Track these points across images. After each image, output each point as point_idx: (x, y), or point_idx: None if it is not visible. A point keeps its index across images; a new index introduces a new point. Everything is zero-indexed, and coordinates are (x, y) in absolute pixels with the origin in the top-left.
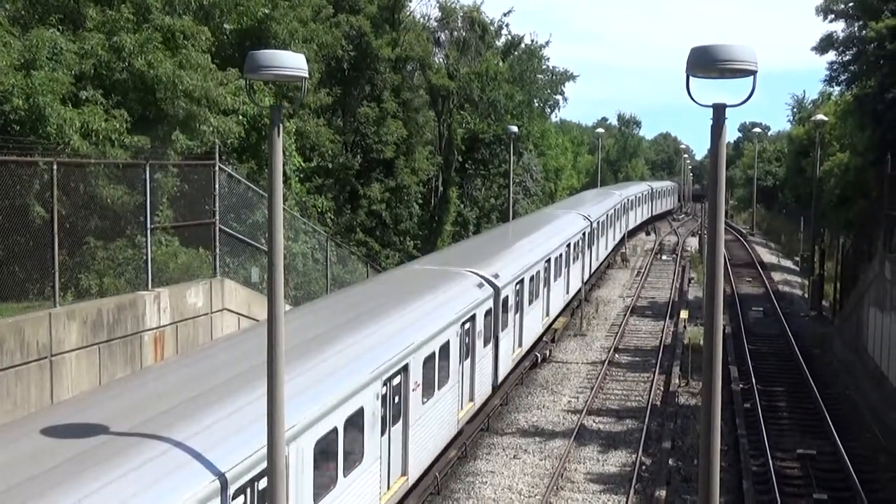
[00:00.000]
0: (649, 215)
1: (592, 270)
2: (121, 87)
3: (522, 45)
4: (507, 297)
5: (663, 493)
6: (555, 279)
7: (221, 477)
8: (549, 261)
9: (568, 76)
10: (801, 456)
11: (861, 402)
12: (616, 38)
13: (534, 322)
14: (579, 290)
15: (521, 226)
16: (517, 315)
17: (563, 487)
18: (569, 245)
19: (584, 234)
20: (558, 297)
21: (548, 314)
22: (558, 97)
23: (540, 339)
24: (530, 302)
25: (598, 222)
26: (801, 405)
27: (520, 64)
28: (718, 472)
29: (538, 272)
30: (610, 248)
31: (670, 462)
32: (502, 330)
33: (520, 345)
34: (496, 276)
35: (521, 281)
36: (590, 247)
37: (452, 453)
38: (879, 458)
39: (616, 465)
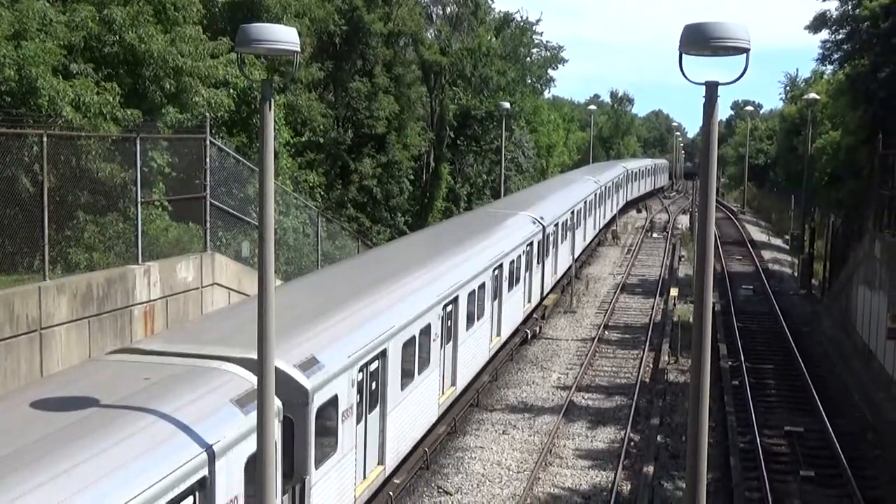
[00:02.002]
0: (624, 202)
1: (543, 294)
2: (111, 61)
3: (514, 23)
4: (333, 399)
5: (651, 469)
6: (471, 324)
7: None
8: (454, 301)
9: (559, 57)
10: (788, 433)
11: (849, 380)
12: (607, 13)
13: (421, 405)
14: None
15: (423, 242)
16: (373, 416)
17: (552, 463)
18: (499, 267)
19: (531, 244)
20: (477, 348)
21: (454, 383)
22: (550, 73)
23: (439, 421)
24: (412, 375)
25: (556, 225)
26: (790, 383)
27: (513, 40)
28: (706, 449)
29: (428, 326)
30: (573, 258)
31: (658, 439)
32: (316, 466)
33: (380, 463)
34: (310, 366)
35: (382, 354)
36: (540, 262)
37: (442, 429)
38: (867, 436)
39: (604, 442)
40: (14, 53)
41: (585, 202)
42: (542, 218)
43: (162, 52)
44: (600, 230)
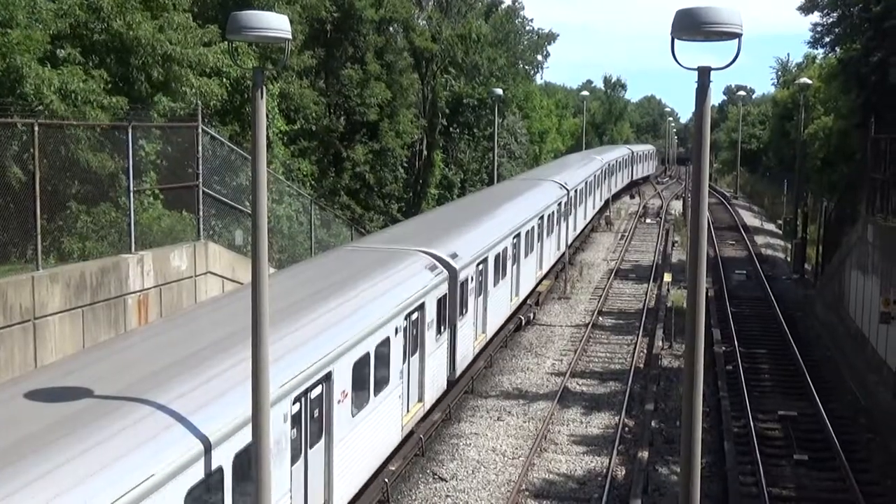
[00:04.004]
0: (595, 210)
1: (455, 374)
2: (100, 49)
3: (502, 7)
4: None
5: (646, 454)
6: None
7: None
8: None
9: (552, 35)
10: (782, 417)
11: (842, 364)
12: None
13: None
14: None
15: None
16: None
17: (547, 449)
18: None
19: (421, 308)
20: None
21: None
22: (539, 57)
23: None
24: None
25: (482, 262)
26: (783, 367)
27: (503, 26)
28: (700, 434)
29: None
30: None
31: (653, 424)
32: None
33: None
34: None
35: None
36: (446, 328)
37: (437, 415)
38: (859, 419)
39: (599, 427)
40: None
41: (544, 217)
42: (453, 257)
43: (149, 39)
44: (566, 251)
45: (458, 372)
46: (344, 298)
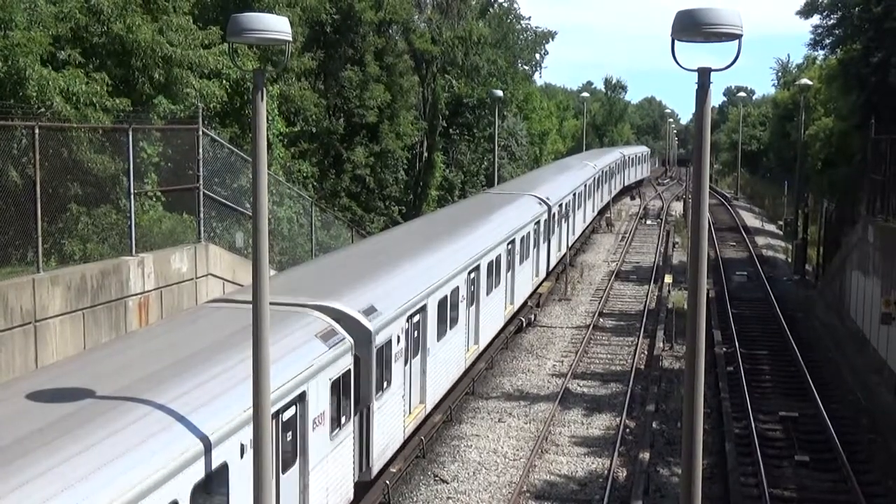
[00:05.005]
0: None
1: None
2: (100, 51)
3: (496, 6)
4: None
5: (647, 455)
6: None
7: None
8: None
9: (548, 34)
10: (783, 418)
11: (843, 365)
12: None
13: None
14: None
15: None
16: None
17: (548, 450)
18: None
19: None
20: None
21: None
22: (537, 55)
23: None
24: None
25: (424, 309)
26: (784, 368)
27: (501, 26)
28: (701, 435)
29: None
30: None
31: (654, 425)
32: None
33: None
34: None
35: None
36: (347, 417)
37: (437, 417)
38: (861, 420)
39: (600, 429)
40: (1, 43)
41: (515, 242)
42: (368, 312)
43: (149, 41)
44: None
45: (377, 468)
46: (141, 412)
